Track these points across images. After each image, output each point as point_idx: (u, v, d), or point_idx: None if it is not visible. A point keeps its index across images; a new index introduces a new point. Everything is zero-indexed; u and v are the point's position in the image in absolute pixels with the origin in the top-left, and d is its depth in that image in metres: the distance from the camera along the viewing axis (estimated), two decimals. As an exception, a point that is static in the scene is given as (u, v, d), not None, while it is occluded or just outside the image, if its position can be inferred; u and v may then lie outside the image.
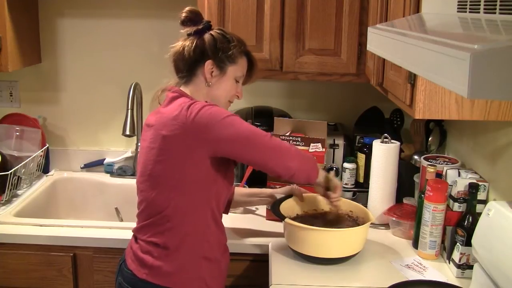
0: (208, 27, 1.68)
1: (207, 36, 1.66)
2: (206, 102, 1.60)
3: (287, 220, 1.75)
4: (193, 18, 1.66)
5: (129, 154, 2.65)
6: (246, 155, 1.60)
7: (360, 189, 2.29)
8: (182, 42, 1.67)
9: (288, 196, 1.92)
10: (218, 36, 1.66)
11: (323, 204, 1.92)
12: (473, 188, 1.66)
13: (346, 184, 2.30)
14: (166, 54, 1.70)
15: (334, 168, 2.32)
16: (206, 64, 1.64)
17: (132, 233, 1.71)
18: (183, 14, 1.66)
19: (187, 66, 1.66)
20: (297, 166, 1.64)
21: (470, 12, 1.03)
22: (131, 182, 1.71)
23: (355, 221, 1.87)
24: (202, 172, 1.56)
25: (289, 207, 1.88)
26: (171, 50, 1.69)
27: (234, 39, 1.68)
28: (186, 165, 1.55)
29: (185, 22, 1.66)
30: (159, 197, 1.59)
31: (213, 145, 1.53)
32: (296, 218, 1.84)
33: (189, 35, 1.67)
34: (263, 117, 2.38)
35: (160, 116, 1.59)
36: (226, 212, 1.90)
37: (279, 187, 2.00)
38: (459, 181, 1.72)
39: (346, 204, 1.91)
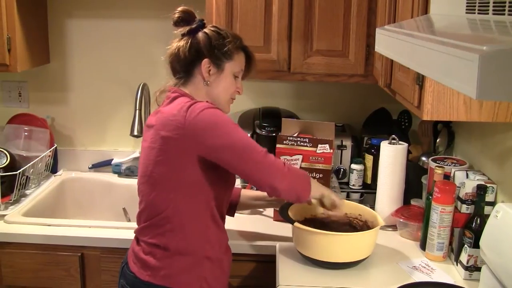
0: (202, 25, 1.66)
1: (201, 35, 1.64)
2: (207, 102, 1.59)
3: (296, 224, 1.72)
4: (186, 18, 1.65)
5: (136, 154, 2.65)
6: (235, 166, 1.57)
7: (368, 191, 2.28)
8: (177, 43, 1.66)
9: None
10: (212, 33, 1.64)
11: None
12: (481, 189, 1.65)
13: (353, 185, 2.30)
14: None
15: (342, 170, 2.32)
16: (203, 63, 1.63)
17: (134, 235, 1.71)
18: (176, 15, 1.65)
19: (183, 67, 1.65)
20: (284, 187, 1.58)
21: (478, 13, 1.03)
22: (139, 182, 1.71)
23: (364, 225, 1.85)
24: (201, 174, 1.55)
25: (297, 210, 1.85)
26: (167, 51, 1.68)
27: (229, 35, 1.66)
28: (185, 167, 1.54)
29: (178, 23, 1.65)
30: (158, 198, 1.59)
31: (207, 151, 1.53)
32: (305, 222, 1.81)
33: (183, 35, 1.65)
34: (270, 118, 2.38)
35: (159, 116, 1.58)
36: (232, 214, 1.89)
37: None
38: (467, 183, 1.71)
39: (354, 208, 1.89)
